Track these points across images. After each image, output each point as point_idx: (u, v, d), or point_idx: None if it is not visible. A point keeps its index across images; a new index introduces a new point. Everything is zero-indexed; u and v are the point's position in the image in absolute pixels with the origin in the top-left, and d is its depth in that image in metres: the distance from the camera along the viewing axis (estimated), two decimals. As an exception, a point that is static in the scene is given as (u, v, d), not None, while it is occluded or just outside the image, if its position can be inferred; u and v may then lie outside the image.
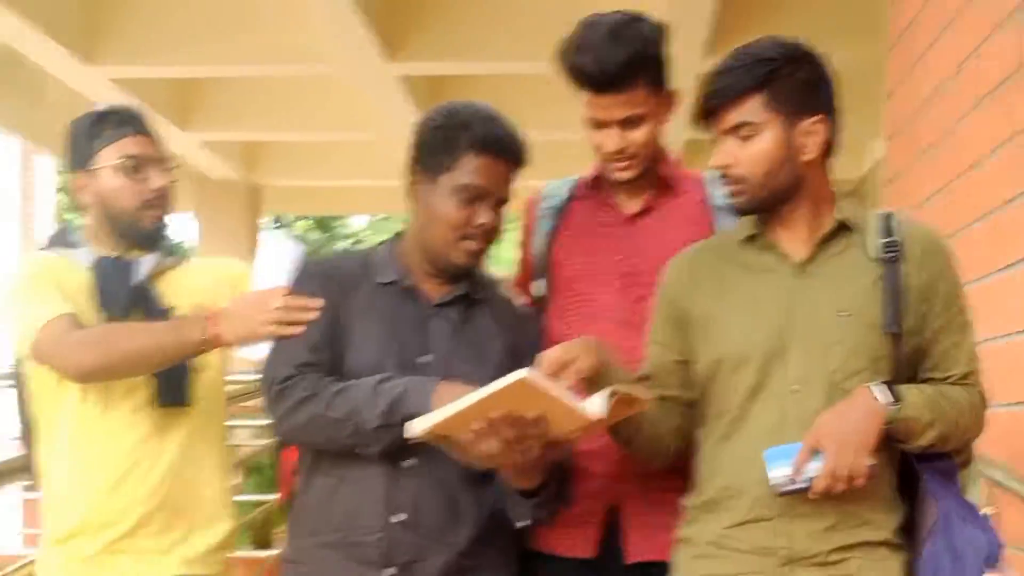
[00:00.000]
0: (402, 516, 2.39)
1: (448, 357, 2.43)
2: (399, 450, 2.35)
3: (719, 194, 2.54)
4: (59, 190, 21.94)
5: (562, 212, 2.74)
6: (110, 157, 2.68)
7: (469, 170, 2.39)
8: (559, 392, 2.15)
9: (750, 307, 2.26)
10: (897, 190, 4.25)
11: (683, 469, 2.46)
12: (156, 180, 2.70)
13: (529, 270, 2.77)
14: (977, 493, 2.45)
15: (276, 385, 2.41)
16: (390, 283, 2.49)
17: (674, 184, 2.68)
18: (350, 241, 28.06)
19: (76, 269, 2.69)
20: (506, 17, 7.91)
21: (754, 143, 2.21)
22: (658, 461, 2.42)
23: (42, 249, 2.78)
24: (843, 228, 2.25)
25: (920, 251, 2.22)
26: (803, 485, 2.13)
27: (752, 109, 2.20)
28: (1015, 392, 3.07)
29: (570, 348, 2.26)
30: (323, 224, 26.60)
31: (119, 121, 2.71)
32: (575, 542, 2.58)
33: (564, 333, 2.58)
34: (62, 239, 2.77)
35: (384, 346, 2.43)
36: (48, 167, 20.97)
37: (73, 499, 2.65)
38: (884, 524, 2.21)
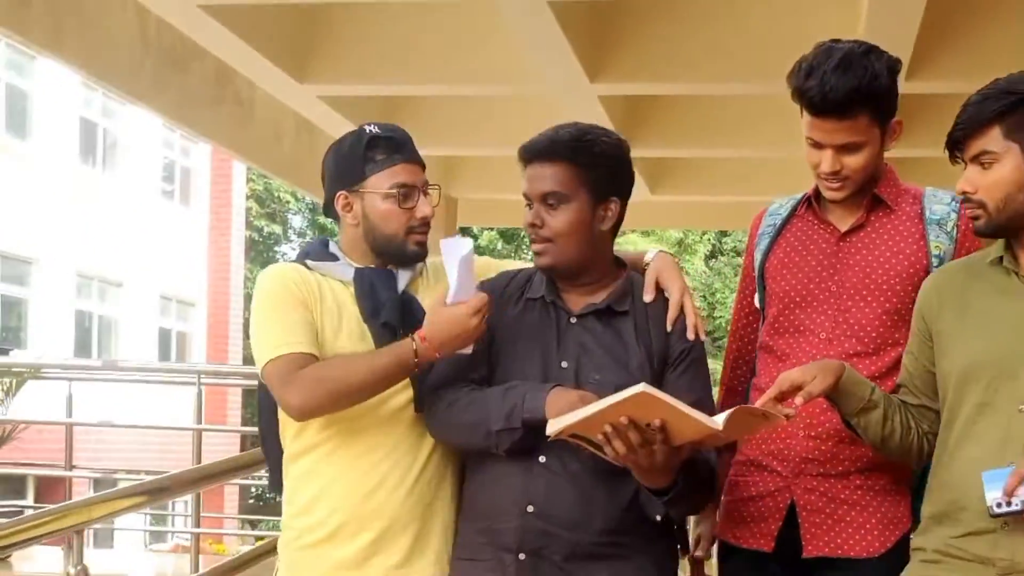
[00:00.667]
0: (533, 507, 2.67)
1: (582, 366, 2.71)
2: (532, 448, 2.66)
3: (935, 208, 2.73)
4: (249, 197, 22.86)
5: (782, 229, 2.92)
6: (381, 183, 2.77)
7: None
8: (676, 403, 2.40)
9: (986, 326, 2.41)
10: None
11: (864, 471, 2.72)
12: (423, 208, 2.79)
13: (751, 282, 2.99)
14: None
15: (429, 393, 2.77)
16: (538, 298, 2.80)
17: (890, 201, 2.83)
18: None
19: (332, 281, 2.79)
20: (701, 41, 8.04)
21: (994, 171, 2.36)
22: (912, 461, 2.57)
23: (296, 260, 2.87)
24: None
25: None
26: (1017, 508, 2.24)
27: (992, 139, 2.34)
28: None
29: (807, 370, 2.45)
30: (506, 235, 27.04)
31: (392, 147, 2.79)
32: (755, 535, 2.84)
33: (773, 346, 2.86)
34: (322, 252, 2.85)
35: (527, 355, 2.75)
36: (240, 175, 21.92)
37: (325, 502, 2.77)
38: None
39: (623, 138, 2.81)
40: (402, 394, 2.78)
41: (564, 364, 2.73)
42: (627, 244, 27.02)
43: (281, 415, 2.83)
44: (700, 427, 2.42)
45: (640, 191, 11.68)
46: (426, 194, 2.81)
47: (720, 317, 24.71)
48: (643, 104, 9.74)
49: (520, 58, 8.23)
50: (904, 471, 2.78)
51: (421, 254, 2.85)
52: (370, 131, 2.80)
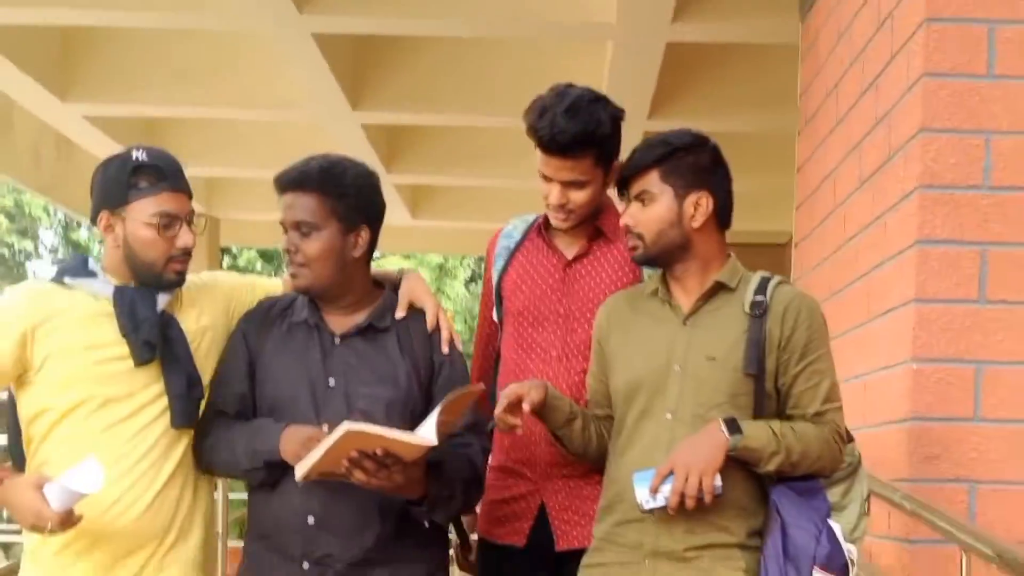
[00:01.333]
0: (312, 518, 2.81)
1: (350, 382, 2.85)
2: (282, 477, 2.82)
3: None
4: None
5: (515, 251, 3.15)
6: (144, 210, 2.75)
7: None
8: (385, 431, 2.60)
9: (643, 347, 2.79)
10: (800, 253, 4.85)
11: (604, 470, 2.93)
12: (184, 238, 2.78)
13: (491, 297, 3.21)
14: (856, 512, 2.79)
15: (197, 428, 2.91)
16: (301, 321, 2.92)
17: (610, 233, 3.08)
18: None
19: (86, 296, 2.80)
20: (457, 76, 8.46)
21: (651, 209, 2.76)
22: (599, 465, 2.91)
23: (54, 277, 2.86)
24: (723, 287, 2.76)
25: (783, 309, 2.71)
26: (662, 503, 2.62)
27: (651, 181, 2.76)
28: (883, 415, 3.65)
29: (523, 385, 2.79)
30: (266, 255, 26.98)
31: (158, 175, 2.77)
32: (509, 532, 3.10)
33: (511, 360, 3.11)
34: (80, 269, 2.84)
35: (295, 376, 2.87)
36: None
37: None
38: (736, 530, 2.69)
39: (372, 169, 2.93)
40: (154, 406, 2.82)
41: (332, 382, 2.85)
42: (389, 267, 27.28)
43: (23, 427, 2.87)
44: (415, 447, 2.63)
45: (401, 216, 12.09)
46: (189, 224, 2.81)
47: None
48: (404, 133, 10.12)
49: (284, 84, 8.48)
50: None
51: (178, 282, 2.85)
52: (137, 157, 2.78)
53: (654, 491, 2.63)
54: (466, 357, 3.15)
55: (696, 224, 2.76)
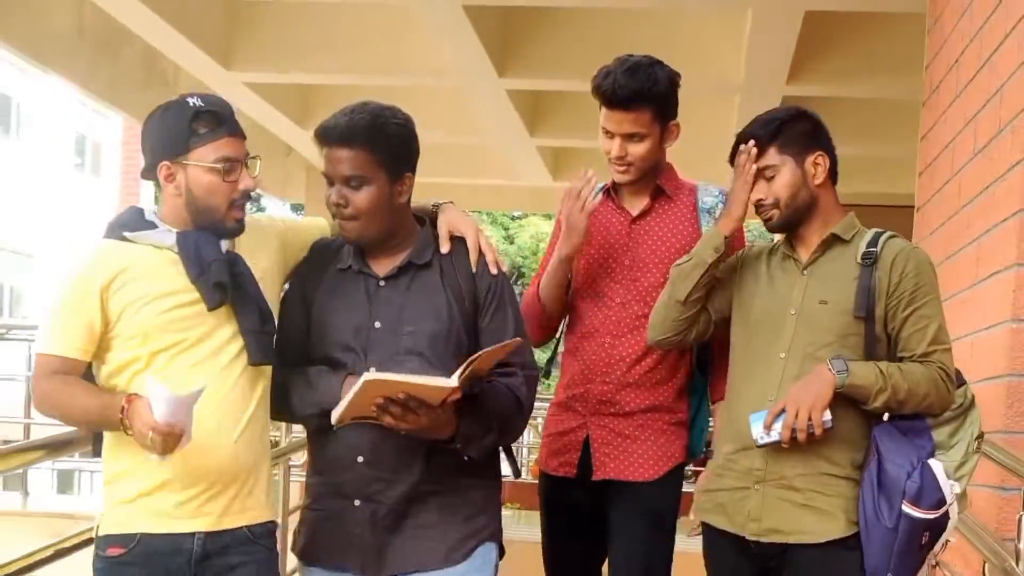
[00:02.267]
0: (362, 458, 2.91)
1: (394, 321, 2.91)
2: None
3: (705, 199, 3.38)
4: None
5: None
6: (205, 156, 2.75)
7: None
8: (405, 377, 2.70)
9: (767, 293, 3.11)
10: (921, 218, 5.08)
11: (646, 411, 3.35)
12: (245, 181, 2.79)
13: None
14: (961, 451, 2.97)
15: (275, 372, 2.96)
16: (347, 268, 2.99)
17: (670, 191, 3.41)
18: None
19: (147, 249, 2.79)
20: (598, 43, 8.63)
21: (777, 180, 3.07)
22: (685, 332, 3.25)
23: (109, 233, 2.84)
24: (838, 239, 3.05)
25: (892, 259, 2.98)
26: (776, 438, 2.93)
27: (770, 157, 3.06)
28: (985, 371, 3.89)
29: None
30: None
31: (216, 120, 2.76)
32: (561, 464, 3.45)
33: (578, 307, 3.45)
34: (139, 221, 2.83)
35: (344, 322, 2.93)
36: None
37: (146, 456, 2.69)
38: (842, 462, 2.98)
39: (409, 116, 2.94)
40: (232, 344, 2.83)
41: (377, 324, 2.92)
42: (529, 227, 27.69)
43: (103, 383, 2.85)
44: (437, 389, 2.69)
45: (543, 177, 12.46)
46: (247, 167, 2.82)
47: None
48: (546, 98, 10.47)
49: (432, 53, 8.89)
50: (679, 415, 3.42)
51: (239, 229, 2.85)
52: (194, 104, 2.76)
53: (768, 427, 2.94)
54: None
55: (818, 181, 3.07)
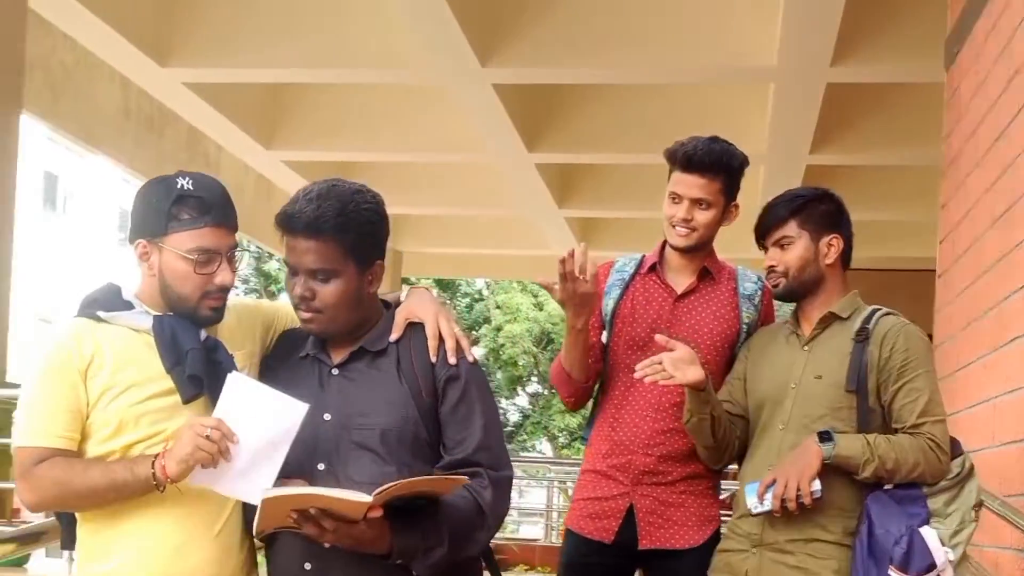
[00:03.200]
0: (309, 565, 2.62)
1: (344, 414, 2.65)
2: None
3: (746, 285, 3.52)
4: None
5: (628, 284, 3.54)
6: (182, 243, 2.55)
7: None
8: (313, 490, 2.44)
9: (772, 369, 3.30)
10: (943, 284, 5.26)
11: (687, 479, 3.45)
12: (223, 276, 2.60)
13: (599, 323, 3.55)
14: (957, 519, 3.06)
15: None
16: (305, 356, 2.74)
17: (715, 273, 3.52)
18: (467, 299, 29.28)
19: (122, 330, 2.60)
20: (624, 119, 9.04)
21: (790, 250, 3.25)
22: (723, 457, 3.38)
23: (82, 311, 2.64)
24: (836, 317, 3.24)
25: (882, 335, 3.15)
26: (768, 507, 3.09)
27: (789, 228, 3.26)
28: (1009, 434, 4.03)
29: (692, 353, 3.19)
30: (442, 284, 27.88)
31: (201, 208, 2.56)
32: (599, 528, 3.50)
33: (618, 381, 3.52)
34: (115, 301, 2.63)
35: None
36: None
37: (127, 553, 2.56)
38: (834, 528, 3.10)
39: (378, 195, 2.71)
40: None
41: (327, 416, 2.65)
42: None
43: None
44: (352, 504, 2.40)
45: (571, 246, 12.61)
46: (230, 260, 2.62)
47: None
48: (575, 171, 10.76)
49: (464, 130, 9.19)
50: (716, 480, 3.53)
51: (215, 319, 2.64)
52: (182, 185, 2.57)
53: (760, 497, 3.12)
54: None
55: (829, 261, 3.27)
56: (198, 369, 2.57)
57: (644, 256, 3.60)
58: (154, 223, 2.57)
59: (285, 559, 2.66)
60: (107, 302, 2.63)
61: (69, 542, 2.69)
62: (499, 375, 27.91)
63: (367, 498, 2.37)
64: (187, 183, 2.58)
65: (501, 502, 2.69)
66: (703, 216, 3.42)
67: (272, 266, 26.44)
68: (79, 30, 7.42)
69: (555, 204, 10.91)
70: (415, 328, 2.74)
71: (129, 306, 2.62)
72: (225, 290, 2.62)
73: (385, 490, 2.38)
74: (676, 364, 3.17)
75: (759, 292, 3.55)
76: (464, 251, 14.55)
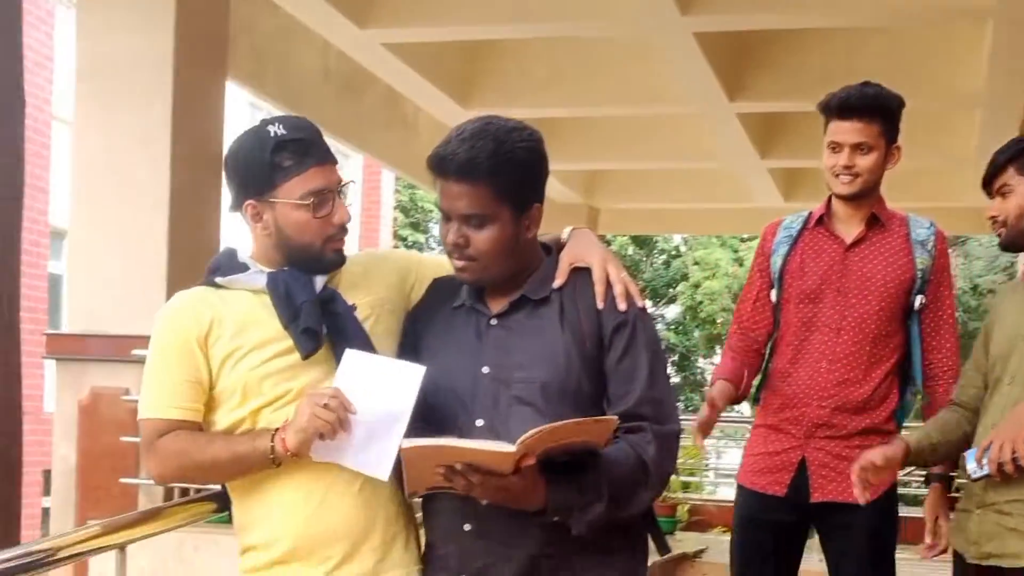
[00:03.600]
0: (469, 526, 2.48)
1: (503, 367, 2.49)
2: None
3: (918, 231, 3.49)
4: (395, 207, 23.86)
5: (796, 240, 3.59)
6: (292, 192, 2.45)
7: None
8: (451, 441, 2.30)
9: (1005, 324, 3.20)
10: None
11: (861, 434, 3.46)
12: (339, 214, 2.49)
13: (768, 282, 3.65)
14: None
15: None
16: (461, 305, 2.59)
17: (884, 220, 3.52)
18: (664, 255, 29.02)
19: (241, 293, 2.53)
20: (827, 64, 8.67)
21: (1010, 199, 3.17)
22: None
23: (205, 278, 2.59)
24: None
25: None
26: (986, 472, 3.01)
27: (1008, 176, 3.16)
28: None
29: (885, 452, 3.18)
30: (639, 240, 27.70)
31: (301, 149, 2.46)
32: (771, 483, 3.56)
33: (791, 335, 3.57)
34: (230, 264, 2.56)
35: (455, 366, 2.51)
36: (388, 186, 22.92)
37: (267, 523, 2.53)
38: None
39: (537, 133, 2.50)
40: None
41: (485, 370, 2.50)
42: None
43: None
44: (496, 456, 2.26)
45: (775, 198, 12.39)
46: (341, 195, 2.52)
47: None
48: (778, 120, 10.44)
49: (661, 81, 9.02)
50: (893, 436, 3.45)
51: (339, 261, 2.55)
52: (276, 133, 2.46)
53: (979, 462, 3.03)
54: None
55: None
56: (312, 322, 2.46)
57: (811, 211, 3.62)
58: (259, 179, 2.48)
59: (445, 520, 2.53)
60: (225, 267, 2.57)
61: (225, 499, 2.69)
62: (696, 333, 27.59)
63: (510, 448, 2.23)
64: (279, 129, 2.48)
65: (666, 459, 2.48)
66: (865, 161, 3.43)
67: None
68: (280, -5, 7.51)
69: (758, 155, 10.65)
70: (579, 273, 2.55)
71: (245, 268, 2.55)
72: (344, 229, 2.52)
73: (529, 437, 2.23)
74: (876, 473, 3.16)
75: (932, 237, 3.53)
76: (661, 206, 14.37)
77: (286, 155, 2.45)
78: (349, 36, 7.94)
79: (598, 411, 2.45)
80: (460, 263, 2.50)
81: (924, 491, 3.48)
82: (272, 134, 2.46)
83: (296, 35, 8.29)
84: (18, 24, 3.96)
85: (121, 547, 3.48)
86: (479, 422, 2.47)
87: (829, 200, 3.56)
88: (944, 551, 3.34)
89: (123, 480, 5.96)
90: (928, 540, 3.36)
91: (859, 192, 3.46)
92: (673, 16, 7.19)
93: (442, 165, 2.42)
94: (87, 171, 6.18)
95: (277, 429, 2.41)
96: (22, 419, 3.99)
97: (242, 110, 20.89)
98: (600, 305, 2.50)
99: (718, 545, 5.25)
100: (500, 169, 2.40)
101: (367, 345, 2.49)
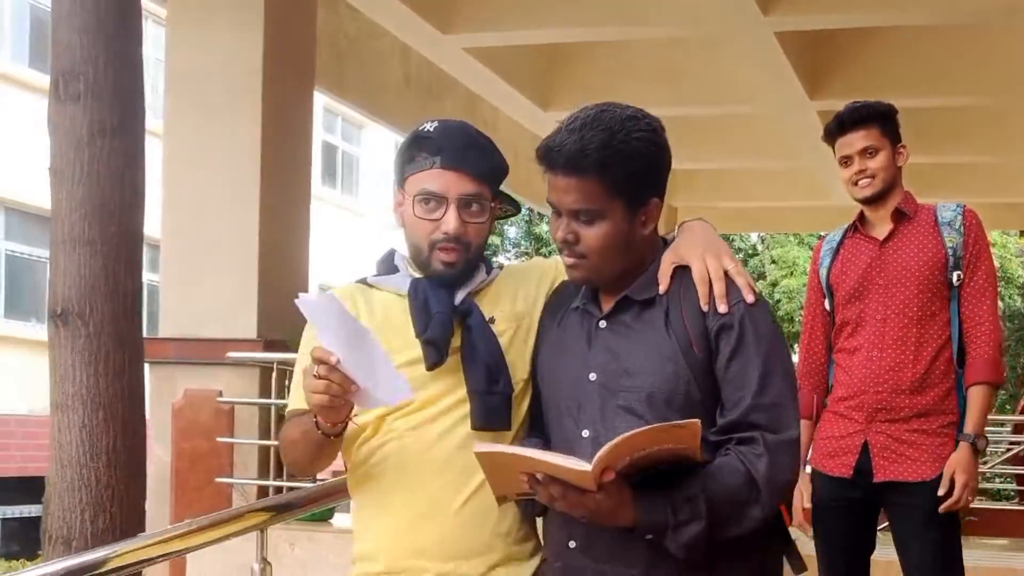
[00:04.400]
0: (575, 543, 2.33)
1: (610, 374, 2.33)
2: None
3: (944, 214, 3.80)
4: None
5: (837, 249, 3.95)
6: (412, 188, 2.39)
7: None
8: (523, 451, 2.17)
9: None
10: None
11: (920, 416, 3.73)
12: (448, 224, 2.37)
13: (820, 292, 4.00)
14: None
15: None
16: (576, 307, 2.44)
17: (910, 212, 3.81)
18: (741, 254, 28.87)
19: (389, 296, 2.49)
20: (908, 62, 8.74)
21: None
22: None
23: (357, 280, 2.57)
24: None
25: None
26: None
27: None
28: None
29: None
30: (716, 239, 27.61)
31: (434, 148, 2.38)
32: (838, 465, 3.85)
33: (845, 330, 3.87)
34: (385, 264, 2.54)
35: (565, 372, 2.40)
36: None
37: (370, 535, 2.46)
38: None
39: (656, 121, 2.33)
40: (464, 406, 2.40)
41: (592, 377, 2.34)
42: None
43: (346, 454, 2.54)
44: (573, 473, 2.10)
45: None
46: (463, 207, 2.39)
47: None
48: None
49: (741, 81, 9.03)
50: (950, 416, 3.75)
51: (448, 273, 2.42)
52: (424, 128, 2.44)
53: None
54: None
55: None
56: (439, 334, 2.36)
57: (848, 225, 3.99)
58: (398, 170, 2.45)
59: (554, 534, 2.40)
60: (379, 266, 2.54)
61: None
62: (775, 331, 27.42)
63: (586, 467, 2.06)
64: (430, 126, 2.43)
65: (780, 470, 2.21)
66: (875, 162, 3.77)
67: (543, 229, 26.70)
68: (363, 2, 7.62)
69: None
70: (685, 272, 2.33)
71: (396, 270, 2.51)
72: (453, 240, 2.38)
73: (605, 452, 2.05)
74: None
75: (959, 216, 3.80)
76: (739, 205, 14.33)
77: (420, 151, 2.40)
78: (432, 41, 8.05)
79: (712, 421, 2.26)
80: (570, 260, 2.34)
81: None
82: (422, 128, 2.44)
83: (378, 41, 8.40)
84: (138, 35, 4.17)
85: (261, 528, 3.55)
86: (585, 432, 2.32)
87: (861, 213, 3.90)
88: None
89: (218, 480, 6.09)
90: None
91: (879, 192, 3.80)
92: (755, 17, 7.21)
93: (550, 157, 2.26)
94: (178, 180, 6.31)
95: None
96: (145, 416, 4.20)
97: (316, 113, 21.18)
98: (704, 307, 2.29)
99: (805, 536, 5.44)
100: (611, 162, 2.23)
101: (500, 360, 2.41)
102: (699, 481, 2.17)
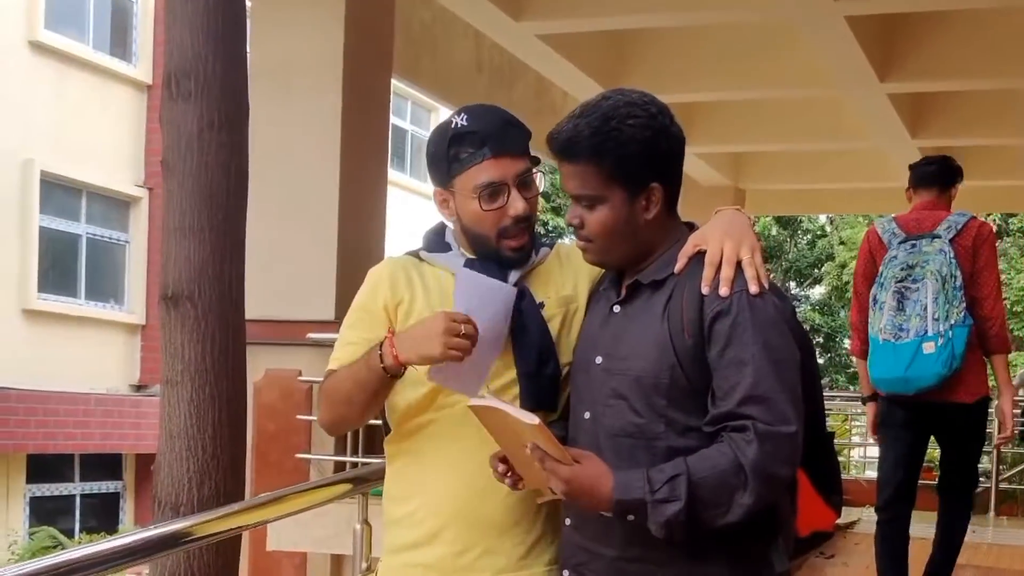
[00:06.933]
0: (569, 520, 2.39)
1: (612, 357, 2.34)
2: None
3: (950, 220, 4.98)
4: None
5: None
6: (466, 184, 2.42)
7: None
8: (497, 403, 2.22)
9: None
10: None
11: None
12: (515, 206, 2.42)
13: (871, 274, 5.04)
14: None
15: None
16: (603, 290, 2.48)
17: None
18: (809, 236, 28.72)
19: (443, 273, 2.52)
20: (982, 40, 8.70)
21: None
22: None
23: (411, 251, 2.61)
24: None
25: None
26: None
27: None
28: None
29: None
30: (782, 221, 27.47)
31: (477, 141, 2.41)
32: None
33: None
34: (436, 241, 2.58)
35: (579, 356, 2.44)
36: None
37: (421, 499, 2.50)
38: None
39: (659, 107, 2.32)
40: (514, 388, 2.46)
41: (598, 360, 2.36)
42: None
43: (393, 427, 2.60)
44: (519, 421, 2.16)
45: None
46: (520, 186, 2.43)
47: (1006, 298, 24.42)
48: (928, 99, 10.37)
49: (810, 64, 9.06)
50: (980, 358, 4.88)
51: (519, 259, 2.48)
52: (455, 125, 2.44)
53: None
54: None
55: None
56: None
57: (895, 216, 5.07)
58: (440, 170, 2.48)
59: (558, 513, 2.45)
60: (431, 242, 2.58)
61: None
62: (842, 313, 27.29)
63: (535, 419, 2.12)
64: (461, 120, 2.44)
65: (770, 460, 2.14)
66: None
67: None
68: (438, -11, 7.77)
69: (908, 135, 10.60)
70: (700, 256, 2.30)
71: (448, 247, 2.55)
72: (522, 220, 2.43)
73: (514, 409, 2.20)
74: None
75: (957, 227, 4.92)
76: (807, 186, 14.31)
77: (462, 147, 2.42)
78: (504, 28, 8.16)
79: (703, 408, 2.23)
80: (580, 244, 2.39)
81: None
82: (453, 125, 2.44)
83: (451, 27, 8.55)
84: (244, 34, 4.37)
85: (363, 492, 3.95)
86: (586, 415, 2.36)
87: None
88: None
89: (298, 456, 6.28)
90: None
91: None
92: (826, 1, 7.25)
93: (549, 144, 2.32)
94: (261, 167, 6.48)
95: (383, 341, 2.36)
96: (247, 392, 4.46)
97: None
98: (704, 290, 2.24)
99: (870, 516, 5.88)
100: (604, 147, 2.25)
101: (550, 343, 2.45)
102: (683, 463, 2.15)
